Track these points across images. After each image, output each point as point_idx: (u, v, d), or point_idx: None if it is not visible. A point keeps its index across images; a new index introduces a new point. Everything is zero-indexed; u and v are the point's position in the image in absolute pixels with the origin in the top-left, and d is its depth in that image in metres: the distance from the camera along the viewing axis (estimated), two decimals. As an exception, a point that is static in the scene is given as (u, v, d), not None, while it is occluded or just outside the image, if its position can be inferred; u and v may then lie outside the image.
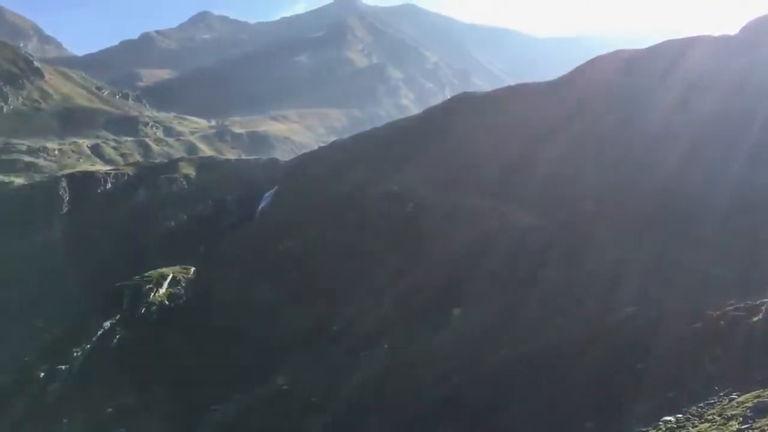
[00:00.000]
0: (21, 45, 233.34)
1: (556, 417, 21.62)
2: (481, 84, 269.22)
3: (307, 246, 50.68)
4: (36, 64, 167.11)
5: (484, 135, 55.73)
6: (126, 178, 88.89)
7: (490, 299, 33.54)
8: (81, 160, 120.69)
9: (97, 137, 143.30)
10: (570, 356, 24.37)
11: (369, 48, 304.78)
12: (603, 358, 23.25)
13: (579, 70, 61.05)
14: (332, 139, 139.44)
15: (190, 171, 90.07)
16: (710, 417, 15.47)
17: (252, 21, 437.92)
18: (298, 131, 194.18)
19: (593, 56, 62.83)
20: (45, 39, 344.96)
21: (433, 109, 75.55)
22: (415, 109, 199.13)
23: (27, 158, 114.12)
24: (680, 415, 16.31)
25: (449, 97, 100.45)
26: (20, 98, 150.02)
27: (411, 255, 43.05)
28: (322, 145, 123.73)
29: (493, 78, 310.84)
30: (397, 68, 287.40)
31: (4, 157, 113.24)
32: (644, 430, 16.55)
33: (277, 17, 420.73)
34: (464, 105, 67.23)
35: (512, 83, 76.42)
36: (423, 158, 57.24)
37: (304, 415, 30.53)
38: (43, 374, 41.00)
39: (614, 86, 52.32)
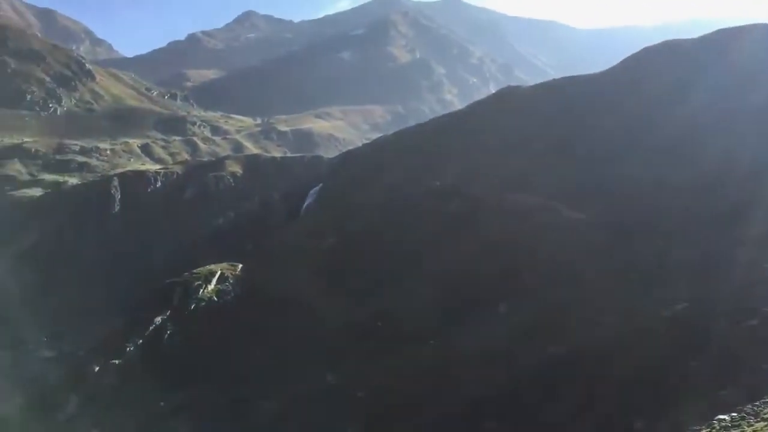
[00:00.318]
0: (73, 48, 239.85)
1: (603, 416, 21.29)
2: (526, 78, 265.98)
3: (351, 242, 50.96)
4: (88, 66, 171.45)
5: (529, 129, 55.18)
6: (175, 176, 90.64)
7: (536, 295, 33.22)
8: (132, 159, 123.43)
9: (147, 137, 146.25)
10: (618, 354, 23.97)
11: (412, 43, 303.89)
12: (653, 356, 22.79)
13: (627, 62, 59.92)
14: (376, 135, 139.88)
15: (236, 169, 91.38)
16: (767, 415, 15.01)
17: (296, 19, 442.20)
18: (341, 128, 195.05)
19: (639, 47, 61.54)
20: (96, 41, 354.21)
21: (477, 104, 75.17)
22: (458, 105, 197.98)
23: (80, 158, 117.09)
24: (735, 414, 15.83)
25: (493, 91, 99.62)
26: (73, 100, 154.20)
27: (456, 251, 42.90)
28: (365, 141, 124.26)
29: (537, 71, 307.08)
30: (441, 63, 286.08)
31: (58, 157, 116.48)
32: (697, 428, 16.11)
33: (320, 15, 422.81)
34: (509, 99, 66.70)
35: (557, 76, 75.43)
36: (467, 154, 56.98)
37: (350, 411, 30.72)
38: (97, 368, 42.08)
39: (663, 78, 51.16)
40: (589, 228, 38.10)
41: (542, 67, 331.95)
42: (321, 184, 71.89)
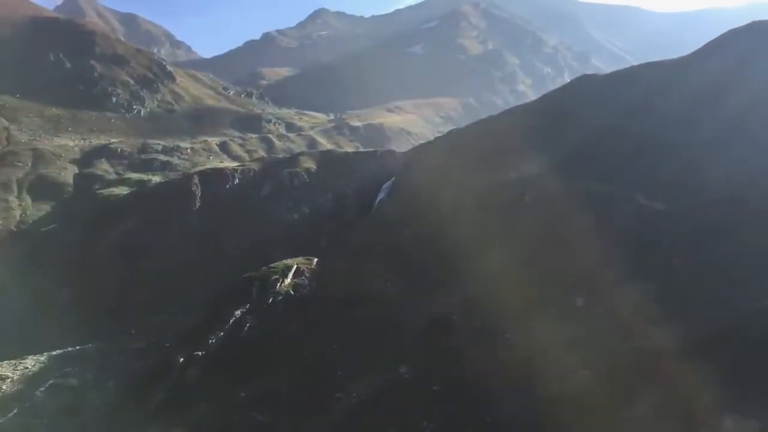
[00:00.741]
0: (155, 51, 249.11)
1: (689, 413, 20.56)
2: (603, 66, 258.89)
3: (425, 236, 50.92)
4: (168, 68, 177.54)
5: (606, 118, 53.67)
6: (251, 173, 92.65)
7: (616, 289, 32.34)
8: (210, 157, 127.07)
9: (225, 135, 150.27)
10: (705, 349, 23.08)
11: (484, 34, 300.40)
12: (742, 351, 21.85)
13: (711, 46, 57.34)
14: (448, 128, 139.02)
15: (310, 165, 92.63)
16: None
17: (367, 15, 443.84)
18: (413, 122, 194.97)
19: (722, 30, 58.68)
20: (176, 44, 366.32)
21: (552, 94, 73.60)
22: (532, 95, 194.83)
23: (162, 157, 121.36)
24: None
25: (568, 80, 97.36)
26: (155, 101, 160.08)
27: (531, 243, 42.25)
28: (438, 135, 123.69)
29: (614, 58, 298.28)
30: (514, 54, 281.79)
31: (143, 156, 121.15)
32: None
33: (391, 10, 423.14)
34: (584, 88, 65.02)
35: (635, 63, 72.95)
36: (542, 145, 55.90)
37: (426, 404, 30.77)
38: (182, 360, 43.57)
39: (751, 63, 48.74)
40: (670, 218, 36.76)
41: (620, 54, 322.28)
42: (393, 179, 72.05)
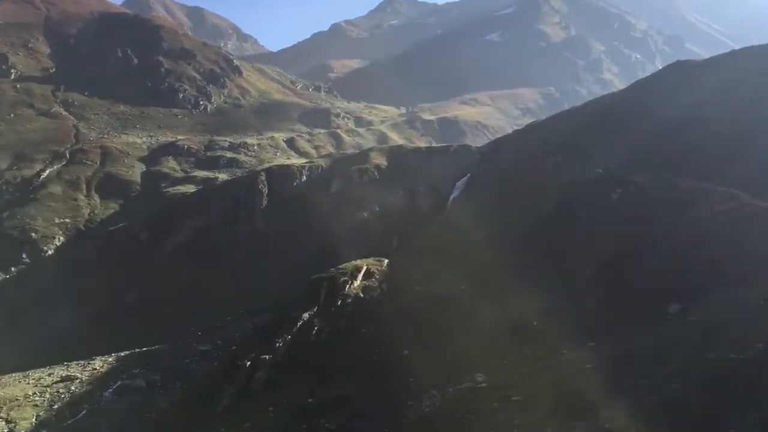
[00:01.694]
0: (221, 45, 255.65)
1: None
2: (698, 50, 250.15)
3: (503, 237, 50.52)
4: (235, 62, 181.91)
5: (703, 109, 51.84)
6: (319, 170, 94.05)
7: (712, 294, 31.19)
8: (278, 154, 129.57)
9: (292, 130, 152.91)
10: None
11: (566, 19, 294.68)
12: None
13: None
14: (527, 121, 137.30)
15: (381, 161, 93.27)
16: None
17: (440, 2, 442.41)
18: (490, 115, 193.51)
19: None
20: (243, 37, 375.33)
21: (641, 82, 71.59)
22: (620, 84, 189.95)
23: (229, 154, 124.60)
24: None
25: (660, 67, 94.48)
26: (222, 96, 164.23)
27: (617, 244, 41.25)
28: (516, 128, 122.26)
29: (712, 42, 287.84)
30: (599, 40, 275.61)
31: (209, 154, 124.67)
32: None
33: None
34: (679, 75, 62.97)
35: (736, 47, 70.11)
36: (630, 137, 54.51)
37: (504, 413, 30.48)
38: (248, 363, 44.60)
39: None
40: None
41: (718, 38, 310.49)
42: (468, 175, 71.72)
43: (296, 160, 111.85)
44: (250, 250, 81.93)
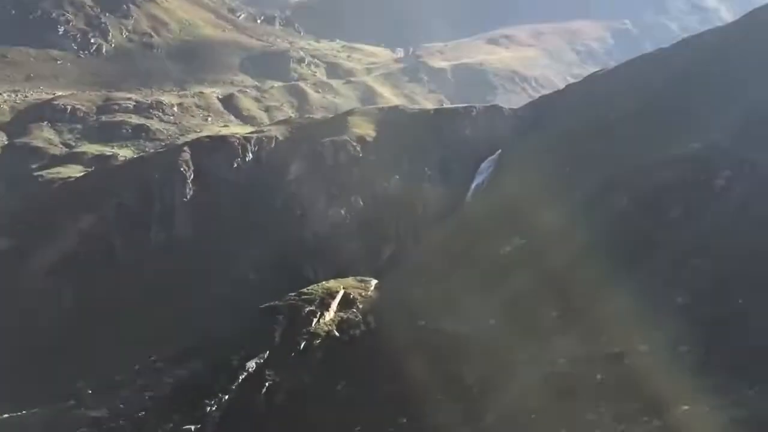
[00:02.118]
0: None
1: None
2: None
3: (546, 247, 50.82)
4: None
5: None
6: (273, 144, 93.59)
7: None
8: (210, 119, 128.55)
9: (231, 84, 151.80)
10: None
11: None
12: None
13: None
14: (589, 70, 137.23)
15: (366, 130, 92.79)
16: None
17: None
18: (532, 61, 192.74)
19: None
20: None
21: (761, 13, 71.96)
22: (728, 16, 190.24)
23: (135, 119, 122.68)
24: None
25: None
26: (124, 32, 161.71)
27: (727, 264, 41.72)
28: (570, 81, 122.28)
29: None
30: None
31: (104, 118, 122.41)
32: None
33: None
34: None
35: None
36: (743, 97, 54.96)
37: None
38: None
39: None
40: None
41: None
42: (499, 152, 71.98)
43: (238, 129, 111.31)
44: (167, 264, 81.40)
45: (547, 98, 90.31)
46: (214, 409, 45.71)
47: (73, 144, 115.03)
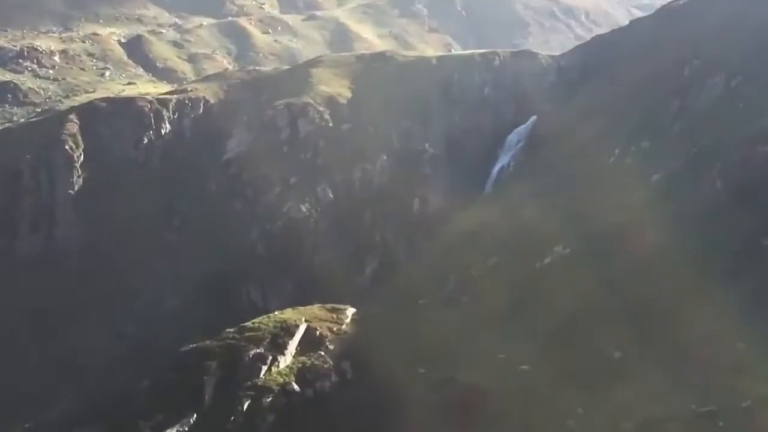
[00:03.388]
0: None
1: None
2: None
3: (600, 256, 50.92)
4: None
5: None
6: (201, 109, 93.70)
7: None
8: (107, 73, 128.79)
9: (139, 21, 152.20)
10: None
11: None
12: None
13: None
14: (661, 1, 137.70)
15: (338, 88, 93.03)
16: None
17: None
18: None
19: None
20: None
21: None
22: None
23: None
24: None
25: None
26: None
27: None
28: (637, 15, 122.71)
29: None
30: None
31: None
32: None
33: None
34: None
35: None
36: None
37: None
38: None
39: None
40: None
41: None
42: (534, 119, 72.01)
43: (150, 87, 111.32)
44: (44, 284, 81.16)
45: (602, 40, 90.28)
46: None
47: None
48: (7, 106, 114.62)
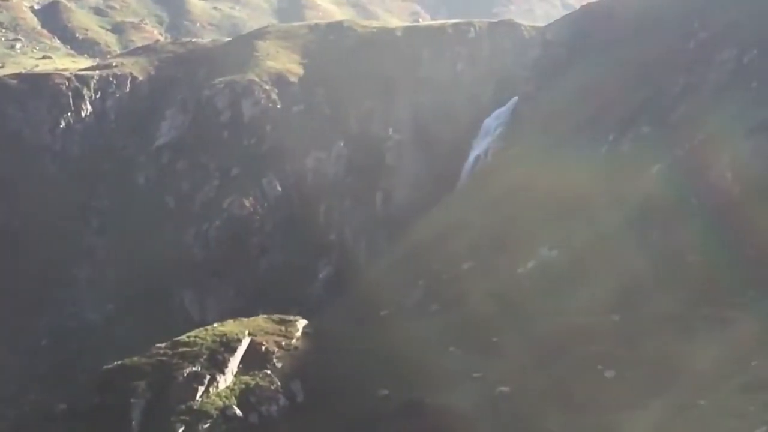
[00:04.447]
0: None
1: None
2: None
3: (594, 259, 51.05)
4: None
5: None
6: (128, 87, 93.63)
7: None
8: (18, 45, 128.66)
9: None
10: None
11: None
12: None
13: None
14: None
15: (288, 63, 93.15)
16: None
17: None
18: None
19: None
20: None
21: None
22: None
23: None
24: None
25: None
26: None
27: None
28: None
29: None
30: None
31: None
32: None
33: None
34: None
35: None
36: None
37: None
38: None
39: None
40: None
41: None
42: (515, 99, 72.20)
43: (67, 62, 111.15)
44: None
45: (594, 8, 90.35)
46: None
47: None
48: None
